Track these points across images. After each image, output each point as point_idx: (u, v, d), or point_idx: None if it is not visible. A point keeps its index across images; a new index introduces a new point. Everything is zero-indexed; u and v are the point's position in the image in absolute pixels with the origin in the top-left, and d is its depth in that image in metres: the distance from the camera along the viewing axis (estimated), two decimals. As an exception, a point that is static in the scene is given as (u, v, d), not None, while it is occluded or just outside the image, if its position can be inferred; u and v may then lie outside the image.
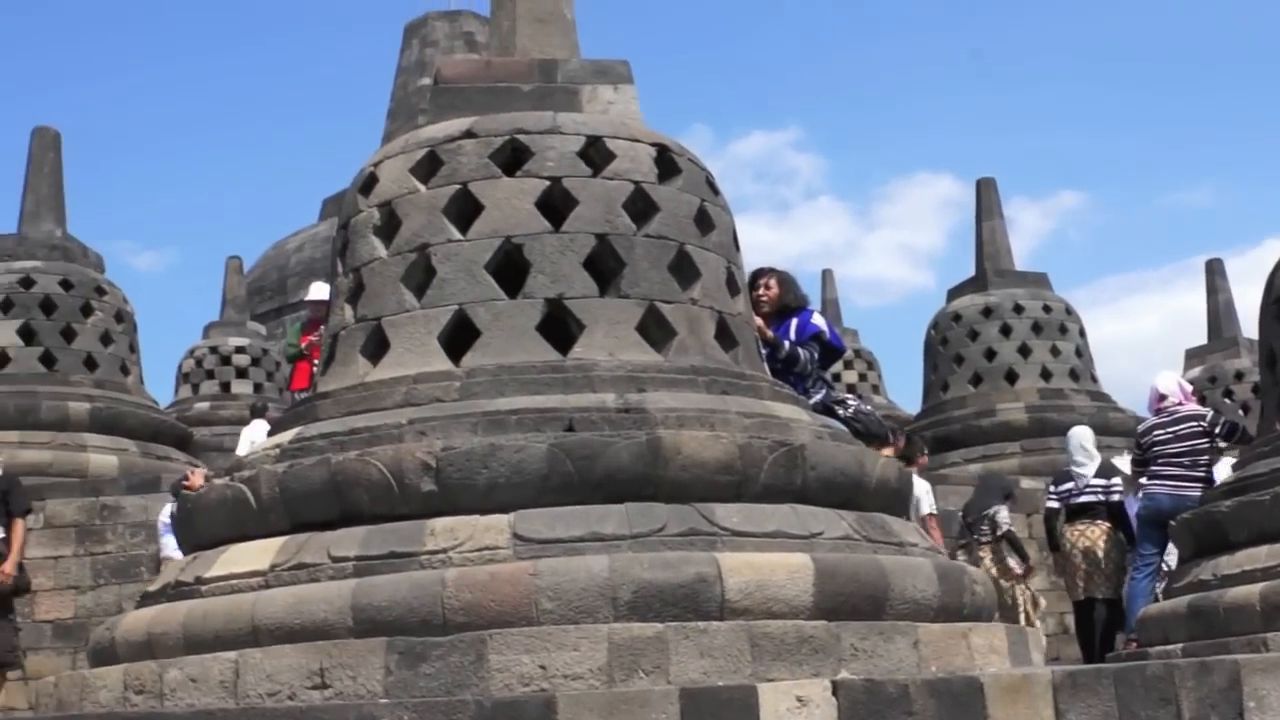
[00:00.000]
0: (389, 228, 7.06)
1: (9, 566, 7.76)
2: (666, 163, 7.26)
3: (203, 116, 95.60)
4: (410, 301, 6.86)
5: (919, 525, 8.52)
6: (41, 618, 12.84)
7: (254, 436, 13.25)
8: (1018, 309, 19.29)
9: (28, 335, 15.65)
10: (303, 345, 13.62)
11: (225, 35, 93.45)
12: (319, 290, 14.17)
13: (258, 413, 15.76)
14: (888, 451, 8.69)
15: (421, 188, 7.04)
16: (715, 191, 7.53)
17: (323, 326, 13.40)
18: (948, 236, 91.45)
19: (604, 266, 6.90)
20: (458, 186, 6.95)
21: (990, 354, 19.24)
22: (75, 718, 4.39)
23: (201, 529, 6.80)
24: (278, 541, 6.23)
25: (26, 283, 15.76)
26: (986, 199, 20.41)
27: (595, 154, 7.06)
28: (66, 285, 15.93)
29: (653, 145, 7.25)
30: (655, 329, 6.85)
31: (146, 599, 6.85)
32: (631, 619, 5.48)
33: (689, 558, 5.70)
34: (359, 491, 6.04)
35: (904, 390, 55.93)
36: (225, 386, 22.39)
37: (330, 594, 5.72)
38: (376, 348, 6.94)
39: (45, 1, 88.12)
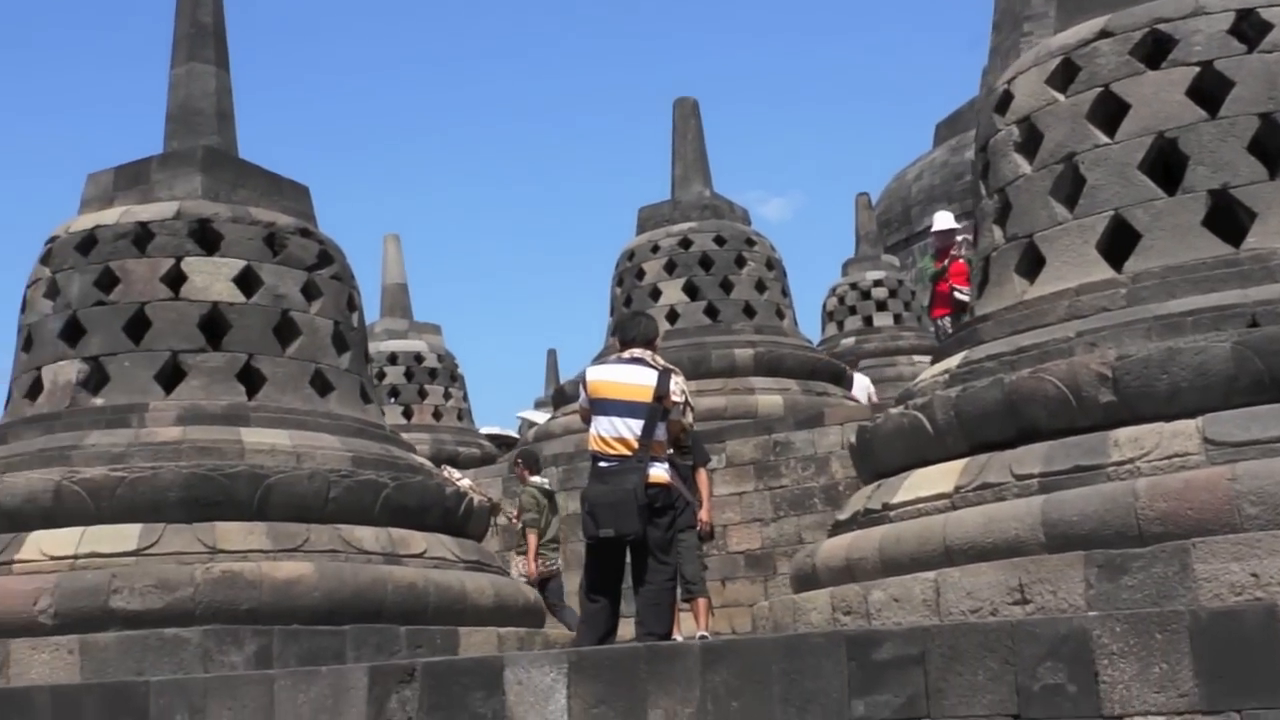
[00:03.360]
0: (1030, 142, 6.98)
1: (705, 514, 8.57)
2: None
3: (795, 67, 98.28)
4: (1061, 213, 6.75)
5: None
6: (733, 549, 13.91)
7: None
8: None
9: (691, 291, 16.97)
10: (936, 269, 13.76)
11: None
12: (942, 220, 14.24)
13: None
14: None
15: (1060, 97, 6.89)
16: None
17: (952, 253, 13.56)
18: None
19: (1270, 148, 6.42)
20: (1099, 89, 6.74)
21: None
22: (800, 637, 4.78)
23: (881, 457, 7.11)
24: (958, 464, 6.39)
25: (685, 243, 17.09)
26: None
27: (1248, 28, 6.57)
28: (720, 241, 17.10)
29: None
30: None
31: (838, 527, 7.27)
32: (1350, 521, 5.11)
33: None
34: (1035, 408, 6.06)
35: None
36: (867, 320, 23.00)
37: (1019, 511, 5.80)
38: (1031, 265, 6.90)
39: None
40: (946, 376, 6.79)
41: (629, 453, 6.72)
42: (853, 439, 7.70)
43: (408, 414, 21.47)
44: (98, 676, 7.09)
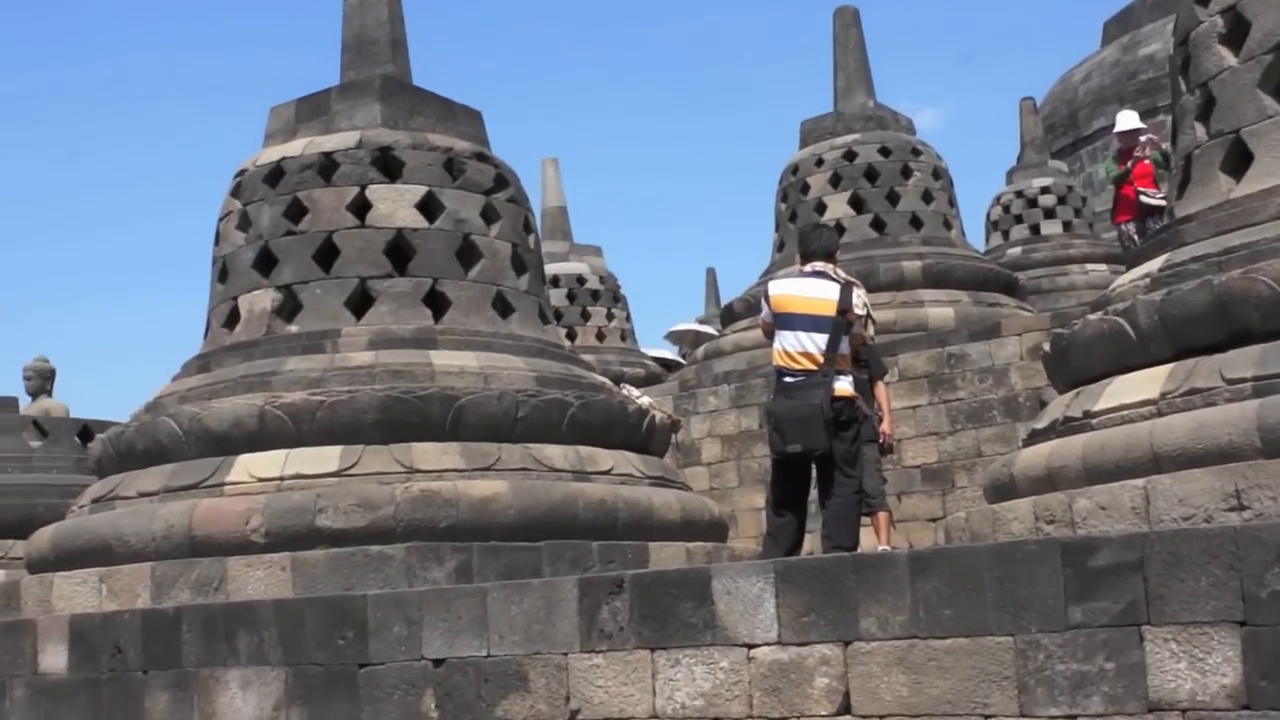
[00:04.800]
0: (1236, 33, 6.69)
1: (887, 427, 8.53)
2: None
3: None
4: (1271, 106, 6.47)
5: None
6: (909, 464, 13.82)
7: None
8: None
9: (857, 204, 16.77)
10: (1119, 171, 13.32)
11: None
12: (1125, 120, 13.74)
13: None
14: None
15: (1268, -17, 6.57)
16: None
17: (1135, 154, 13.10)
18: None
19: None
20: (1309, -28, 6.41)
21: None
22: (1012, 544, 4.74)
23: (1079, 365, 6.96)
24: (1163, 369, 6.24)
25: (849, 156, 16.86)
26: None
27: None
28: (885, 152, 16.82)
29: None
30: None
31: (1035, 436, 7.16)
32: None
33: None
34: (1247, 310, 5.87)
35: None
36: (1034, 229, 22.42)
37: (1232, 416, 5.65)
38: (1238, 162, 6.64)
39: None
40: (1148, 281, 6.60)
41: (814, 367, 6.72)
42: (1044, 347, 7.56)
43: (571, 336, 21.69)
44: (308, 591, 7.39)
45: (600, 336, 22.25)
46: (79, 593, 8.27)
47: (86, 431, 14.48)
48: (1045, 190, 22.66)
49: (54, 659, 7.14)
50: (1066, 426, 6.67)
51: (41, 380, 16.15)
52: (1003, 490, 6.99)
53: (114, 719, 6.81)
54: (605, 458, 8.82)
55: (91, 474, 10.16)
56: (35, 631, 7.29)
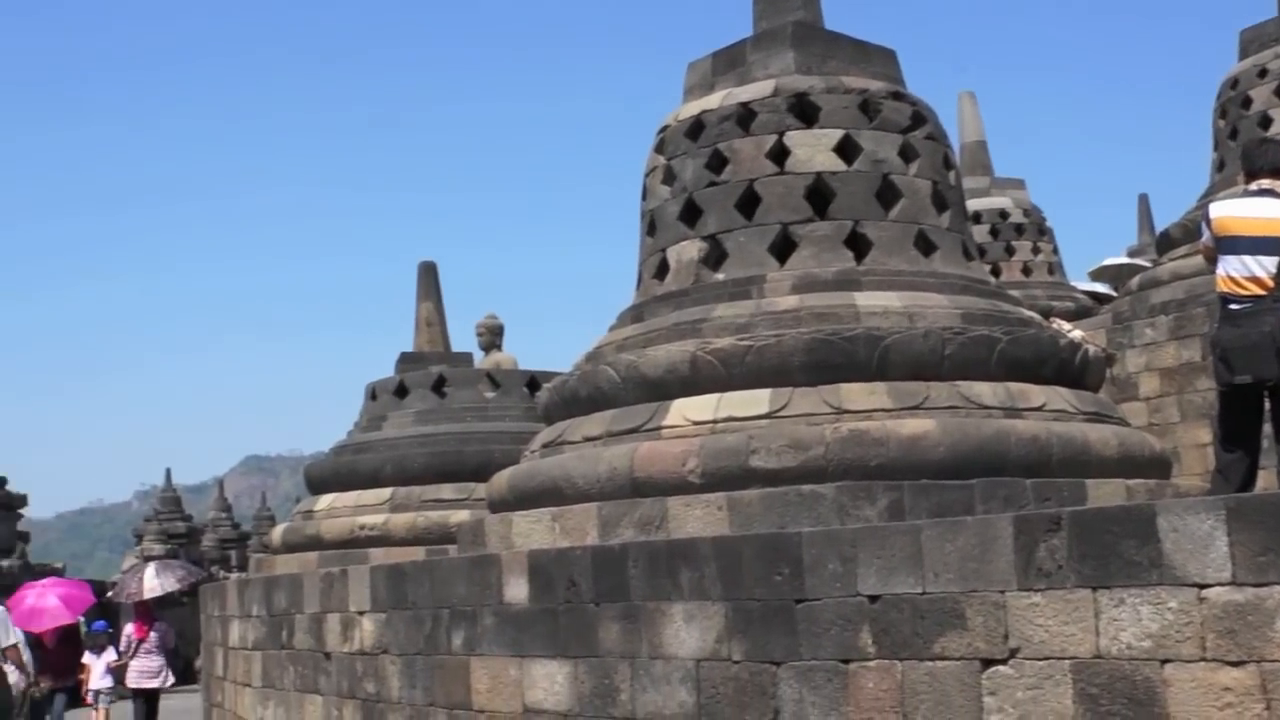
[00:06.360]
0: None
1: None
2: None
3: None
4: None
5: None
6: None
7: None
8: None
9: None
10: None
11: None
12: None
13: None
14: None
15: None
16: None
17: None
18: None
19: None
20: None
21: None
22: None
23: None
24: None
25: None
26: None
27: None
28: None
29: None
30: None
31: None
32: None
33: None
34: None
35: None
36: None
37: None
38: None
39: None
40: None
41: (1262, 292, 6.32)
42: None
43: (995, 272, 21.11)
44: (744, 529, 7.64)
45: (1026, 271, 21.58)
46: (535, 530, 8.91)
47: (534, 382, 15.47)
48: None
49: (516, 590, 7.74)
50: None
51: (492, 335, 17.33)
52: None
53: (571, 646, 7.32)
54: (1036, 393, 8.61)
55: (540, 421, 10.89)
56: (500, 565, 7.92)
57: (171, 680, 16.27)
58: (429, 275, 17.72)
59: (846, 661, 5.91)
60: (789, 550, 6.21)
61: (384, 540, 14.10)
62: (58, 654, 15.76)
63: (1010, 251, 21.78)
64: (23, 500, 27.54)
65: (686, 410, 8.58)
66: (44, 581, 17.27)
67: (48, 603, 15.53)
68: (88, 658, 16.50)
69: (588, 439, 9.07)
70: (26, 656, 12.51)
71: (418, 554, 12.45)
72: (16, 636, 12.24)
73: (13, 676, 11.98)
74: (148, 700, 15.94)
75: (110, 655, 16.26)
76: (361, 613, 9.33)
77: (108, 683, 16.22)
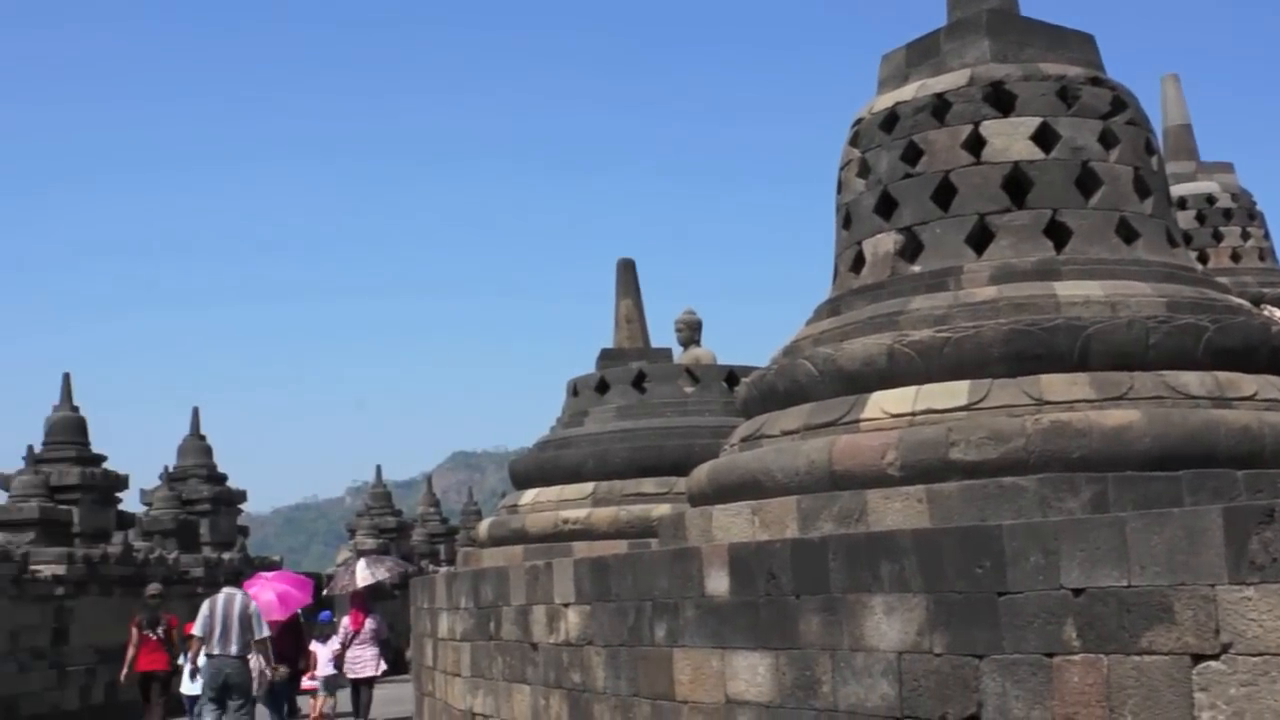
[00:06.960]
0: None
1: None
2: None
3: None
4: None
5: None
6: None
7: None
8: None
9: None
10: None
11: None
12: None
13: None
14: None
15: None
16: None
17: None
18: None
19: None
20: None
21: None
22: None
23: None
24: None
25: None
26: None
27: None
28: None
29: None
30: None
31: None
32: None
33: None
34: None
35: None
36: None
37: None
38: None
39: None
40: None
41: None
42: None
43: (1203, 258, 20.38)
44: (943, 522, 7.63)
45: (1235, 257, 20.75)
46: (734, 523, 9.04)
47: (732, 376, 15.60)
48: None
49: (717, 583, 7.87)
50: None
51: (691, 331, 17.52)
52: None
53: (771, 638, 7.42)
54: (1247, 383, 8.36)
55: (738, 415, 11.01)
56: (701, 558, 8.06)
57: (384, 669, 16.99)
58: (628, 272, 17.99)
59: (1050, 655, 5.87)
60: (990, 543, 6.20)
61: (586, 534, 14.41)
62: (280, 642, 16.60)
63: (1218, 237, 20.99)
64: (242, 496, 28.95)
65: (884, 403, 8.59)
66: (269, 575, 18.17)
67: (265, 597, 16.36)
68: (314, 646, 17.32)
69: (786, 433, 9.16)
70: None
71: (619, 547, 12.71)
72: (264, 631, 13.48)
73: (257, 664, 13.36)
74: (364, 688, 16.66)
75: (334, 644, 17.05)
76: (566, 605, 9.59)
77: (331, 670, 17.01)
